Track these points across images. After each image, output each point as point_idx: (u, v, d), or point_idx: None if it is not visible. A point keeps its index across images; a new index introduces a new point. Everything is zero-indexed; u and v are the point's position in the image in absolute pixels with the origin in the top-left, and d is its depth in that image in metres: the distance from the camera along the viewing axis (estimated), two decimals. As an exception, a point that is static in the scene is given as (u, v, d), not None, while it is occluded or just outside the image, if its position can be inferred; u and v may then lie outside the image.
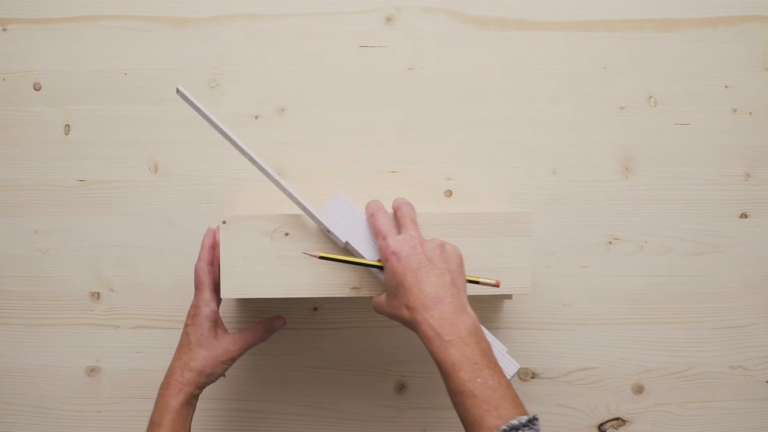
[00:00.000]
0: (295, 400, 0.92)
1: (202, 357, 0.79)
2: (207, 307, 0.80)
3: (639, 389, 0.92)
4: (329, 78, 0.90)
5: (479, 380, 0.65)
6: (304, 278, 0.79)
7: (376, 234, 0.76)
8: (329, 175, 0.90)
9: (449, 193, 0.90)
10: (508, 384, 0.66)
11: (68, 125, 0.91)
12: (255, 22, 0.89)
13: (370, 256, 0.78)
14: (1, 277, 0.92)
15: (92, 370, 0.93)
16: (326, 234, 0.79)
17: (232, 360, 0.80)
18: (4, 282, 0.92)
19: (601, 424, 0.92)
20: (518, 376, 0.92)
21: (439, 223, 0.79)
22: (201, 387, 0.79)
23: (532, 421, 0.63)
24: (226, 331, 0.81)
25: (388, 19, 0.89)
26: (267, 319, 0.84)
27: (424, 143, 0.90)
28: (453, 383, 0.66)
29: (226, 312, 0.91)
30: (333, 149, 0.90)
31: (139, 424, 0.93)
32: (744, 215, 0.91)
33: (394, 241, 0.73)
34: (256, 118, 0.90)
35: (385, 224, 0.75)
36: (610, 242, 0.91)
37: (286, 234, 0.80)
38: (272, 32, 0.89)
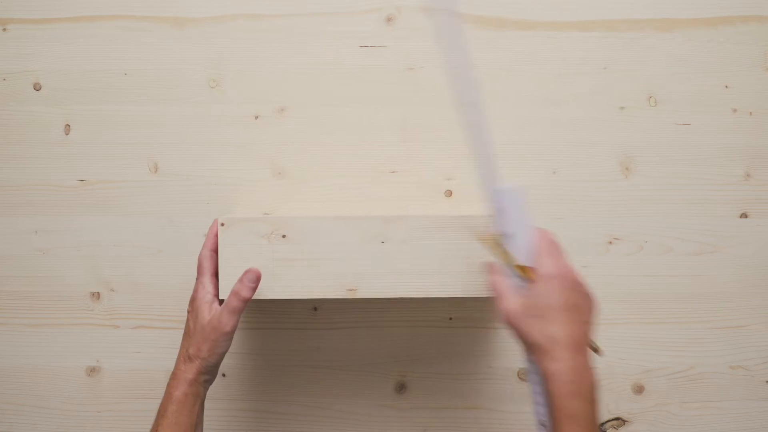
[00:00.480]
0: (295, 400, 0.92)
1: (197, 341, 0.78)
2: (205, 291, 0.79)
3: (639, 389, 0.92)
4: (329, 78, 0.90)
5: None
6: (301, 280, 0.80)
7: (546, 250, 0.69)
8: (329, 175, 0.90)
9: (449, 193, 0.90)
10: None
11: (68, 125, 0.91)
12: (255, 22, 0.89)
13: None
14: (1, 277, 0.92)
15: (92, 370, 0.93)
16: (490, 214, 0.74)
17: (226, 334, 0.77)
18: (4, 282, 0.92)
19: (601, 424, 0.92)
20: (518, 375, 0.92)
21: (434, 226, 0.80)
22: (204, 372, 0.77)
23: None
24: (210, 309, 0.79)
25: (388, 19, 0.89)
26: (241, 278, 0.79)
27: (424, 143, 0.90)
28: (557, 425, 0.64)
29: (226, 312, 0.91)
30: (333, 149, 0.90)
31: (139, 424, 0.93)
32: (744, 215, 0.91)
33: (566, 266, 0.68)
34: (256, 118, 0.90)
35: (558, 246, 0.70)
36: (610, 242, 0.91)
37: (284, 236, 0.81)
38: (272, 32, 0.89)
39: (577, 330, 0.66)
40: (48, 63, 0.90)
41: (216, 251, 0.81)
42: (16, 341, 0.92)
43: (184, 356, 0.78)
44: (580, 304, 0.68)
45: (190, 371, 0.77)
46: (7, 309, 0.92)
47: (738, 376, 0.92)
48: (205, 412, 0.93)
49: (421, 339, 0.92)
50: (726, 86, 0.90)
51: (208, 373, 0.78)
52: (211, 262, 0.81)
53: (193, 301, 0.80)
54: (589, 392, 0.65)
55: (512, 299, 0.68)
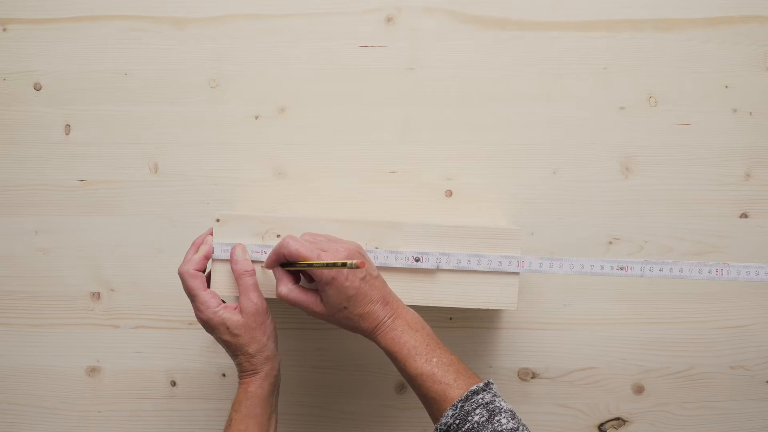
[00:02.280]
0: (295, 400, 0.92)
1: (247, 341, 0.76)
2: (210, 306, 0.77)
3: (639, 389, 0.92)
4: (329, 78, 0.90)
5: (434, 359, 0.72)
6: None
7: (313, 256, 0.74)
8: (329, 175, 0.90)
9: (449, 193, 0.90)
10: (457, 359, 0.74)
11: (68, 125, 0.91)
12: (255, 22, 0.89)
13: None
14: (1, 277, 0.92)
15: (92, 370, 0.93)
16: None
17: (265, 311, 0.77)
18: (4, 282, 0.92)
19: (601, 424, 0.92)
20: (518, 376, 0.92)
21: (429, 234, 0.80)
22: (269, 361, 0.77)
23: (488, 384, 0.71)
24: (234, 308, 0.77)
25: (388, 19, 0.89)
26: (234, 259, 0.79)
27: (424, 143, 0.90)
28: (411, 368, 0.72)
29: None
30: (333, 149, 0.90)
31: (139, 424, 0.93)
32: (744, 215, 0.91)
33: (336, 255, 0.74)
34: (256, 118, 0.90)
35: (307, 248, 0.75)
36: (610, 242, 0.91)
37: (278, 236, 0.81)
38: (272, 32, 0.89)
39: (376, 291, 0.74)
40: (48, 63, 0.90)
41: (200, 269, 0.79)
42: (16, 341, 0.92)
43: (244, 368, 0.77)
44: (362, 273, 0.74)
45: (260, 371, 0.77)
46: (7, 309, 0.92)
47: (738, 376, 0.92)
48: (205, 412, 0.94)
49: (421, 339, 0.92)
50: (726, 86, 0.90)
51: (273, 360, 0.78)
52: (200, 281, 0.78)
53: (207, 322, 0.77)
54: (411, 325, 0.74)
55: (318, 305, 0.75)
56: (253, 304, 0.77)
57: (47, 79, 0.90)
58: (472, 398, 0.69)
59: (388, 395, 0.92)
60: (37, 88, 0.91)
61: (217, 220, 0.81)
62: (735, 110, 0.90)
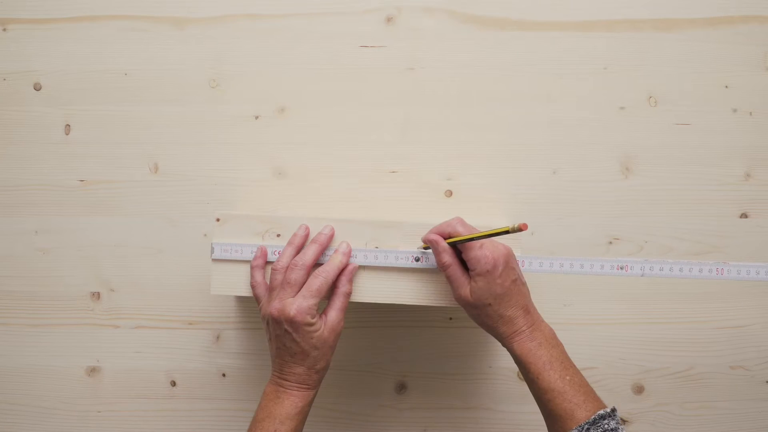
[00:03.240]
0: (295, 400, 0.92)
1: (324, 354, 0.77)
2: (308, 307, 0.76)
3: (639, 389, 0.92)
4: (329, 78, 0.90)
5: (568, 378, 0.73)
6: None
7: (468, 245, 0.74)
8: (329, 175, 0.90)
9: (449, 193, 0.90)
10: (587, 382, 0.74)
11: (68, 125, 0.91)
12: (255, 22, 0.89)
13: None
14: (1, 277, 0.92)
15: (92, 370, 0.93)
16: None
17: (340, 333, 0.78)
18: (4, 282, 0.92)
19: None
20: (518, 376, 0.92)
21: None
22: (316, 384, 0.78)
23: (614, 411, 0.71)
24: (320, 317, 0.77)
25: (388, 19, 0.89)
26: (348, 276, 0.79)
27: (424, 143, 0.90)
28: (544, 381, 0.73)
29: (224, 310, 0.91)
30: (333, 149, 0.90)
31: (139, 424, 0.93)
32: (744, 215, 0.91)
33: (494, 251, 0.75)
34: (256, 118, 0.90)
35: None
36: (610, 242, 0.91)
37: (278, 235, 0.81)
38: (272, 32, 0.89)
39: (522, 298, 0.75)
40: (48, 63, 0.90)
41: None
42: (16, 341, 0.92)
43: (302, 379, 0.76)
44: (515, 275, 0.75)
45: (315, 389, 0.77)
46: (8, 309, 0.92)
47: (738, 376, 0.92)
48: (205, 412, 0.94)
49: (421, 339, 0.92)
50: (726, 86, 0.90)
51: (321, 383, 0.79)
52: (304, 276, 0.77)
53: (309, 325, 0.75)
54: (549, 339, 0.75)
55: (465, 288, 0.75)
56: (340, 324, 0.77)
57: (47, 79, 0.90)
58: (598, 422, 0.69)
59: (388, 395, 0.93)
60: (37, 88, 0.91)
61: (217, 220, 0.81)
62: (735, 110, 0.90)
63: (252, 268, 0.80)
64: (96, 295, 0.92)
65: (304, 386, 0.76)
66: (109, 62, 0.90)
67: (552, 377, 0.72)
